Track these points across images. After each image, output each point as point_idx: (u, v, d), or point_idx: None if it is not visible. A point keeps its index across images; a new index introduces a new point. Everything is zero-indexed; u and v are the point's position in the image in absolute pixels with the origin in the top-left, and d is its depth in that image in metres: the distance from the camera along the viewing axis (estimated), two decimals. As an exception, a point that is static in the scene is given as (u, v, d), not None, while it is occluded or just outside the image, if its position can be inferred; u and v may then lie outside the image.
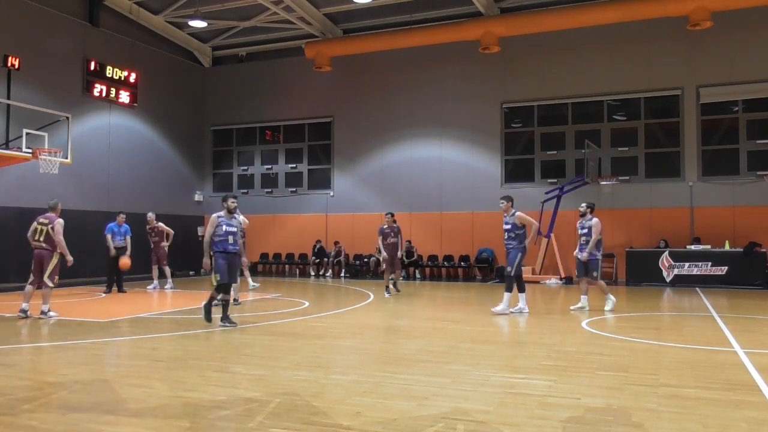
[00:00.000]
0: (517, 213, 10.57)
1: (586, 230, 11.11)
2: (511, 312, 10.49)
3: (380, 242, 14.17)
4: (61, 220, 10.08)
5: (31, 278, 10.13)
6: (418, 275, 19.62)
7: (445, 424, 4.36)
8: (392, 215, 14.44)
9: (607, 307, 10.94)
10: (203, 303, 9.32)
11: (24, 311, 9.97)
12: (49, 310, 9.95)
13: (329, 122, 22.00)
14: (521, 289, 10.67)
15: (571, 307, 11.19)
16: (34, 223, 10.18)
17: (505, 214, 10.64)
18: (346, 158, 21.61)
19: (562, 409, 4.74)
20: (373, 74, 21.25)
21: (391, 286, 14.15)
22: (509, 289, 10.51)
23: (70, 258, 10.02)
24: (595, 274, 11.07)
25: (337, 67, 20.88)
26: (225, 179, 23.67)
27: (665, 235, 17.49)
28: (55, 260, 9.98)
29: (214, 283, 8.97)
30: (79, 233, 17.53)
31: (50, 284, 9.97)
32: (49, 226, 9.98)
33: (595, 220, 11.10)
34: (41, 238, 9.97)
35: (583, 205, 11.37)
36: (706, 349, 7.29)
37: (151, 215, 15.48)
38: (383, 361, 6.65)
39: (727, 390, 5.32)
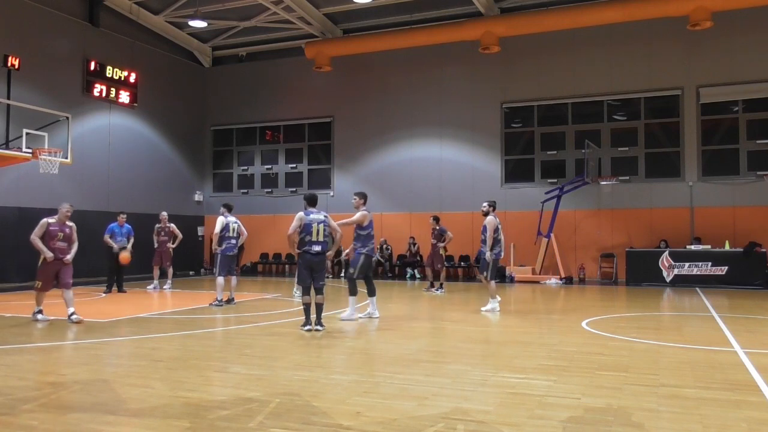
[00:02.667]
0: (358, 213, 9.81)
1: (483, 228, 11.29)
2: (360, 318, 9.84)
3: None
4: (42, 220, 9.55)
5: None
6: (417, 275, 19.63)
7: (445, 424, 4.36)
8: (433, 218, 15.24)
9: (484, 307, 11.05)
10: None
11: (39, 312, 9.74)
12: (39, 311, 9.64)
13: (329, 122, 22.00)
14: (371, 293, 10.06)
15: (482, 309, 11.10)
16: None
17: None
18: (346, 158, 21.61)
19: (562, 409, 4.74)
20: (373, 74, 21.25)
21: (442, 286, 14.91)
22: (353, 293, 9.88)
23: (47, 255, 9.34)
24: (485, 273, 11.26)
25: (337, 67, 20.88)
26: (225, 179, 23.67)
27: (665, 235, 17.49)
28: (39, 261, 9.47)
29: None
30: (78, 233, 17.56)
31: (35, 285, 9.57)
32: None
33: (488, 218, 11.18)
34: None
35: (485, 204, 11.46)
36: (706, 349, 7.29)
37: (164, 214, 15.57)
38: (383, 361, 6.65)
39: (727, 390, 5.32)
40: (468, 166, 19.89)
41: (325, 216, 8.83)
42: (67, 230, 9.67)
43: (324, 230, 8.73)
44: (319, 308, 8.77)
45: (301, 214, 8.83)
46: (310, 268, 8.74)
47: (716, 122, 17.85)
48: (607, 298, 13.89)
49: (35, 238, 9.40)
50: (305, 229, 8.68)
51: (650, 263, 16.66)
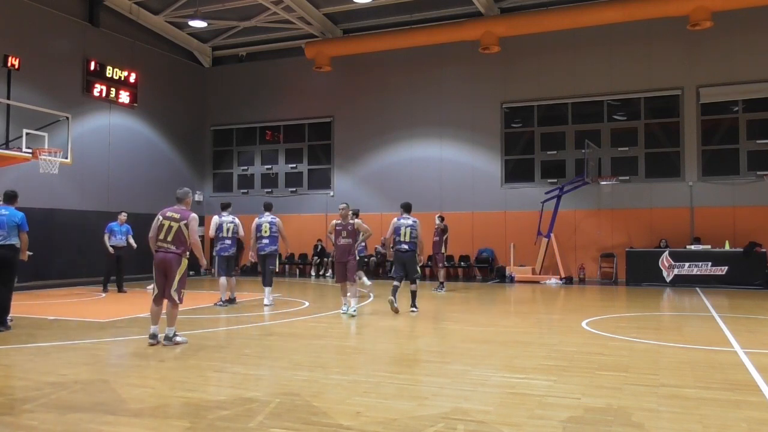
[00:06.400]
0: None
1: None
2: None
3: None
4: (194, 216, 7.83)
5: (155, 290, 7.68)
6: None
7: (445, 424, 4.36)
8: (439, 217, 15.69)
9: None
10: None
11: (153, 336, 7.52)
12: (175, 334, 7.55)
13: (329, 122, 22.00)
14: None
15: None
16: (159, 218, 7.76)
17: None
18: (346, 158, 21.61)
19: (562, 409, 4.74)
20: (373, 74, 21.25)
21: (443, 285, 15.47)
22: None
23: (202, 261, 7.81)
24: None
25: (337, 67, 20.88)
26: (225, 179, 23.67)
27: (665, 235, 17.48)
28: (183, 266, 7.60)
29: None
30: (79, 233, 17.60)
31: (176, 298, 7.55)
32: (182, 223, 7.62)
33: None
34: (169, 238, 7.58)
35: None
36: (706, 349, 7.29)
37: None
38: (383, 361, 6.65)
39: (727, 390, 5.32)
40: (468, 166, 19.89)
41: (414, 221, 10.74)
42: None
43: (411, 233, 10.62)
44: (413, 294, 10.84)
45: (394, 219, 10.93)
46: (402, 263, 10.72)
47: (716, 122, 17.85)
48: (607, 298, 13.89)
49: (197, 239, 7.70)
50: (395, 231, 10.75)
51: (650, 263, 16.66)
